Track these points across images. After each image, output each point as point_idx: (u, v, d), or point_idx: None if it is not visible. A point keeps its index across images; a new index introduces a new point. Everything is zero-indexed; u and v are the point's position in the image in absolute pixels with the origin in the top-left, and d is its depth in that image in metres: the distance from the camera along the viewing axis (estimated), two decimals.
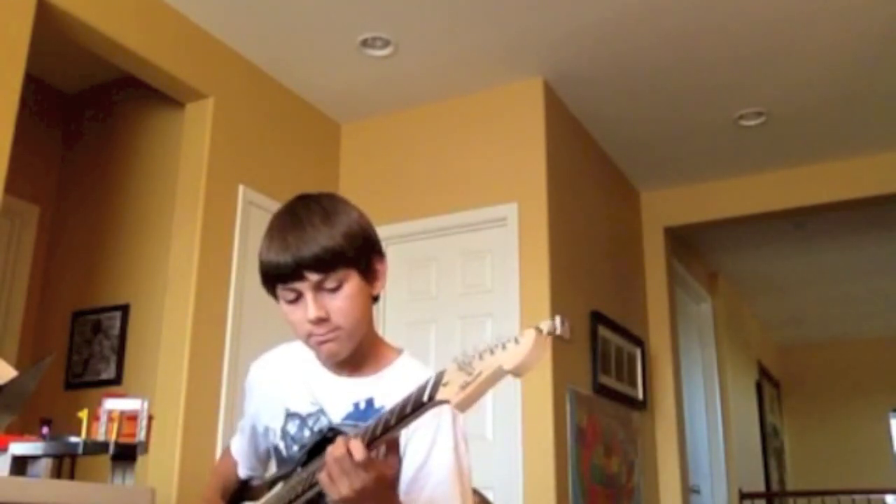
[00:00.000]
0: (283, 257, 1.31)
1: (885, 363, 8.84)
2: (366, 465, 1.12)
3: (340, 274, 1.32)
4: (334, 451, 1.14)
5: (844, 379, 9.12)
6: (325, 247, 1.30)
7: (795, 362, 9.44)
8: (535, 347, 0.99)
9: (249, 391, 1.57)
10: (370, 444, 1.14)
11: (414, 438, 1.32)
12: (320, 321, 1.32)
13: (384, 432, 1.13)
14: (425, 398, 1.08)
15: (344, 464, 1.12)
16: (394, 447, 1.17)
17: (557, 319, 1.07)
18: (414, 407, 1.10)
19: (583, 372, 4.07)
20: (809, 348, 9.42)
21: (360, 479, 1.12)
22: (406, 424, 1.12)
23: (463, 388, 1.02)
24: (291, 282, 1.32)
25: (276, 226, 1.36)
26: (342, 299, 1.32)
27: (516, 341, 1.01)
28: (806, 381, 9.35)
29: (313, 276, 1.31)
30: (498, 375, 1.01)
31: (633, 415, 4.60)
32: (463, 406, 1.03)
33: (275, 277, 1.34)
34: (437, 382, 1.07)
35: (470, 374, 1.03)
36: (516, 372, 1.00)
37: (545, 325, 1.02)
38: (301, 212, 1.35)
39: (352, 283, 1.33)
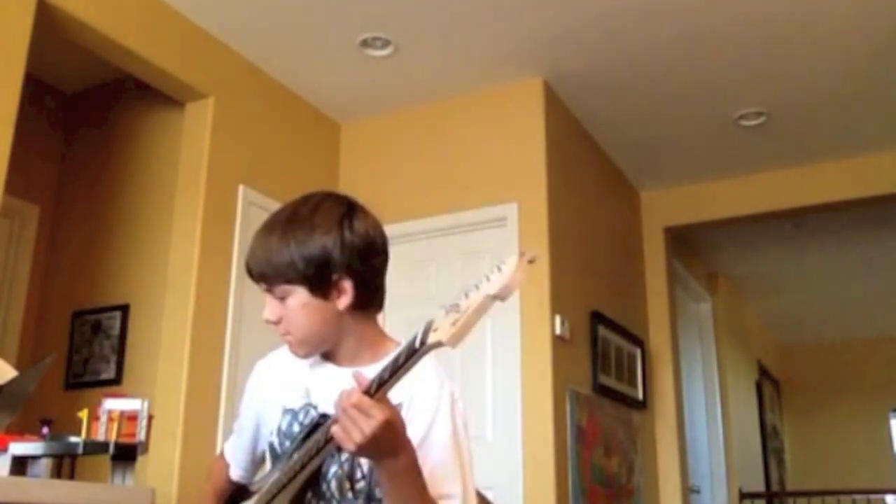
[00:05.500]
0: (246, 260, 1.45)
1: (885, 363, 8.83)
2: (367, 408, 1.15)
3: (283, 288, 1.39)
4: (341, 399, 1.17)
5: (844, 379, 9.11)
6: (267, 264, 1.40)
7: (795, 362, 9.44)
8: (518, 271, 1.04)
9: (252, 390, 1.58)
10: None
11: (413, 420, 1.33)
12: (270, 322, 1.43)
13: (380, 386, 1.16)
14: (417, 345, 1.11)
15: (350, 411, 1.15)
16: (386, 400, 1.20)
17: (535, 252, 1.13)
18: (407, 355, 1.13)
19: (583, 372, 4.07)
20: (809, 348, 9.41)
21: (369, 425, 1.14)
22: (401, 376, 1.15)
23: (453, 324, 1.07)
24: (254, 281, 1.44)
25: (261, 225, 1.47)
26: (288, 309, 1.41)
27: (499, 269, 1.06)
28: (806, 381, 9.34)
29: (261, 284, 1.43)
30: (486, 303, 1.06)
31: (633, 415, 4.60)
32: (455, 341, 1.07)
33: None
34: (427, 329, 1.10)
35: (458, 312, 1.07)
36: (501, 294, 1.05)
37: (528, 253, 1.07)
38: (278, 218, 1.44)
39: (296, 297, 1.39)
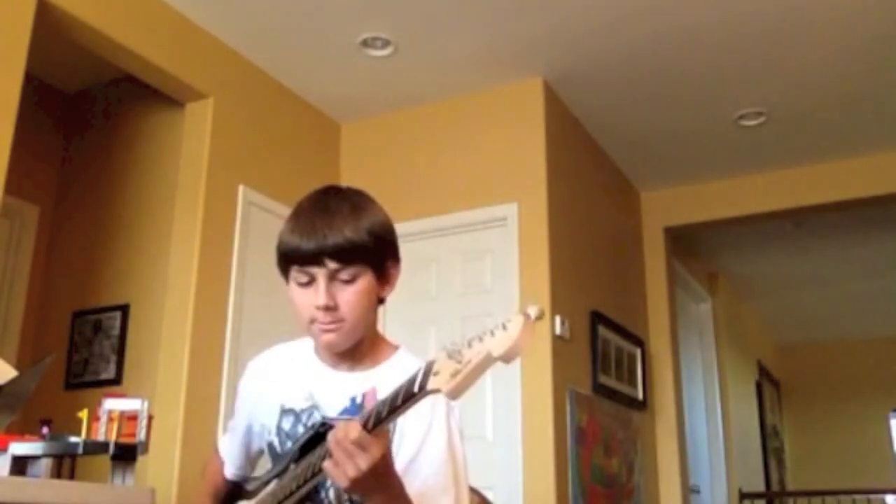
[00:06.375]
0: (306, 241, 1.33)
1: (885, 363, 8.84)
2: (366, 444, 1.12)
3: (357, 268, 1.35)
4: (337, 434, 1.14)
5: (844, 379, 9.11)
6: (350, 238, 1.33)
7: (795, 362, 9.44)
8: (524, 333, 1.00)
9: (245, 390, 1.57)
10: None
11: (408, 431, 1.33)
12: (328, 309, 1.34)
13: (377, 423, 1.13)
14: (416, 388, 1.09)
15: (346, 446, 1.13)
16: (382, 435, 1.18)
17: (539, 307, 1.08)
18: (405, 398, 1.11)
19: (583, 372, 4.07)
20: (809, 348, 9.41)
21: (364, 461, 1.12)
22: (398, 415, 1.13)
23: (453, 376, 1.03)
24: (309, 266, 1.34)
25: (305, 209, 1.39)
26: (352, 293, 1.35)
27: (504, 327, 1.01)
28: (806, 381, 9.35)
29: (332, 265, 1.33)
30: (488, 362, 1.02)
31: (633, 415, 4.60)
32: (454, 394, 1.04)
33: (293, 259, 1.36)
34: (428, 372, 1.08)
35: (460, 362, 1.03)
36: (505, 358, 1.01)
37: (532, 311, 1.02)
38: (332, 200, 1.38)
39: (365, 279, 1.36)
